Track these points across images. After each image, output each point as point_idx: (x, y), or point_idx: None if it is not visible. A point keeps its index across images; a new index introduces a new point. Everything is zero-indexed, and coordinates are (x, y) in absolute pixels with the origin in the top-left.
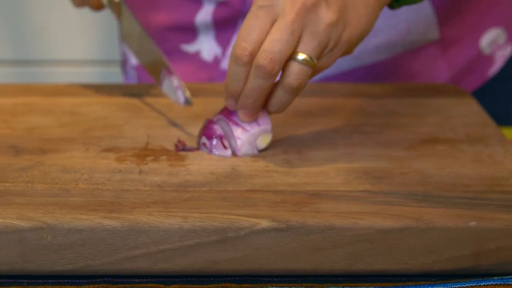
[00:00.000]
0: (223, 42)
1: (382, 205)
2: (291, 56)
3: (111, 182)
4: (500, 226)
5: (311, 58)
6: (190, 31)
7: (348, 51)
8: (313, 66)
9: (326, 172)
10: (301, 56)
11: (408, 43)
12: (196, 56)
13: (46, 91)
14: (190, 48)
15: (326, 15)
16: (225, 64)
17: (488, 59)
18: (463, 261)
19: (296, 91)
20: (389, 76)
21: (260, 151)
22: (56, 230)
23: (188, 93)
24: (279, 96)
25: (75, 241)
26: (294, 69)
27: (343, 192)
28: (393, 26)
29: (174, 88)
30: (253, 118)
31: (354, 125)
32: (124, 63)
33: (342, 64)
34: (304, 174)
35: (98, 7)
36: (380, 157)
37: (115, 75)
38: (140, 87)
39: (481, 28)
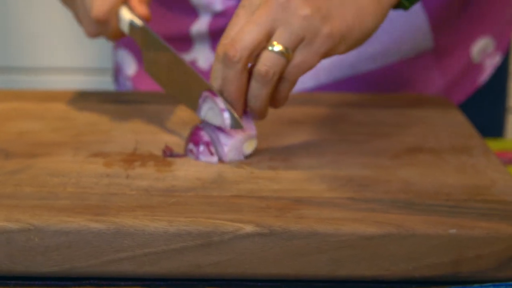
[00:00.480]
0: None
1: (365, 212)
2: (265, 47)
3: (98, 186)
4: (480, 234)
5: (285, 48)
6: (186, 41)
7: (335, 48)
8: (287, 56)
9: (311, 179)
10: (273, 45)
11: (402, 52)
12: (192, 64)
13: (37, 97)
14: (186, 56)
15: (300, 8)
16: None
17: (478, 68)
18: (443, 268)
19: (265, 80)
20: (384, 84)
21: (246, 157)
22: (43, 232)
23: (236, 115)
24: (252, 87)
25: (62, 243)
26: (263, 56)
27: (327, 199)
28: (388, 34)
29: (219, 110)
30: (260, 107)
31: (341, 134)
32: (116, 72)
33: (337, 72)
34: (289, 181)
35: (116, 36)
36: (365, 165)
37: (106, 84)
38: (130, 94)
39: (472, 36)
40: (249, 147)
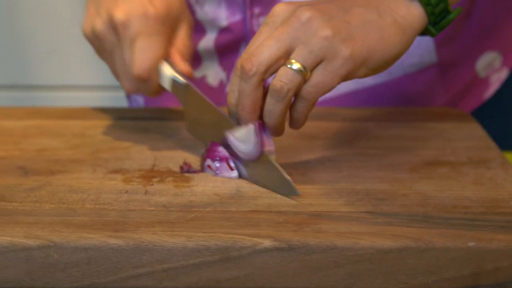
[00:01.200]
0: (226, 67)
1: (382, 226)
2: (283, 64)
3: (117, 203)
4: (499, 247)
5: (303, 67)
6: (195, 58)
7: (355, 71)
8: (304, 75)
9: (329, 193)
10: (291, 63)
11: (406, 66)
12: (202, 81)
13: (55, 114)
14: (196, 73)
15: (321, 29)
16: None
17: (483, 82)
18: (462, 281)
19: (279, 96)
20: (387, 99)
21: None
22: (63, 249)
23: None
24: (267, 102)
25: (81, 260)
26: (280, 72)
27: (344, 213)
28: None
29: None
30: (275, 124)
31: (358, 148)
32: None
33: (341, 86)
34: (307, 196)
35: (156, 92)
36: (382, 179)
37: (120, 100)
38: (147, 111)
39: (477, 51)
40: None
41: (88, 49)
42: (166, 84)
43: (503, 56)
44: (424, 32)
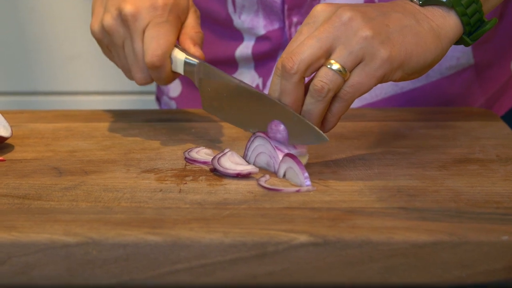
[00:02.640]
0: (262, 73)
1: (416, 221)
2: (323, 64)
3: (152, 201)
4: None
5: (342, 67)
6: (231, 64)
7: (392, 73)
8: (343, 76)
9: (361, 190)
10: (331, 63)
11: (443, 69)
12: None
13: (85, 117)
14: None
15: (362, 29)
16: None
17: None
18: (496, 275)
19: (319, 95)
20: (426, 101)
21: None
22: (101, 245)
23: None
24: (306, 102)
25: (120, 256)
26: (320, 72)
27: (377, 209)
28: None
29: (299, 170)
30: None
31: (387, 147)
32: (159, 93)
33: (380, 91)
34: (340, 193)
35: (169, 79)
36: (413, 176)
37: (149, 103)
38: (175, 112)
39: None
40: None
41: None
42: (179, 68)
43: None
44: (458, 42)
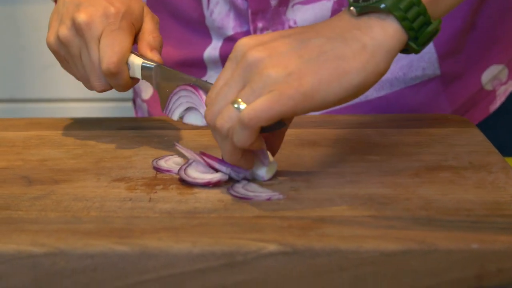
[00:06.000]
0: None
1: (386, 229)
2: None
3: (121, 210)
4: (502, 248)
5: (244, 103)
6: (200, 67)
7: (308, 104)
8: (237, 107)
9: (332, 198)
10: (237, 102)
11: (408, 79)
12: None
13: (56, 125)
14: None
15: (266, 67)
16: None
17: (489, 95)
18: (466, 283)
19: (221, 134)
20: (392, 110)
21: (267, 180)
22: (69, 256)
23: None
24: (217, 141)
25: (87, 266)
26: (223, 111)
27: (348, 218)
28: (395, 62)
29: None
30: (231, 162)
31: (360, 154)
32: (134, 95)
33: None
34: (310, 201)
35: (127, 85)
36: (384, 184)
37: (126, 109)
38: (149, 120)
39: (483, 64)
40: (269, 172)
41: None
42: (137, 73)
43: (509, 69)
44: (408, 50)
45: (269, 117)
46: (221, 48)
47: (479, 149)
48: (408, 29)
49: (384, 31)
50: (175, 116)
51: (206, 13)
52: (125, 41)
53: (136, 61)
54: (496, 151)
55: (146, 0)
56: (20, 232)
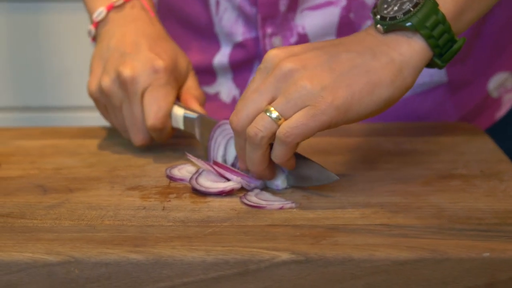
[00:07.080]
0: (240, 84)
1: (398, 238)
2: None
3: (135, 219)
4: None
5: (279, 114)
6: (210, 74)
7: (341, 117)
8: (280, 123)
9: (344, 207)
10: (270, 111)
11: (416, 86)
12: (216, 97)
13: (71, 134)
14: (210, 89)
15: (301, 79)
16: None
17: (495, 102)
18: None
19: (254, 143)
20: (399, 117)
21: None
22: (83, 264)
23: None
24: (246, 149)
25: (102, 275)
26: (257, 119)
27: (360, 226)
28: None
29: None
30: (256, 171)
31: (371, 163)
32: None
33: None
34: (323, 210)
35: (169, 136)
36: (396, 192)
37: None
38: None
39: (489, 71)
40: (285, 182)
41: None
42: (179, 124)
43: None
44: (432, 65)
45: (304, 134)
46: (230, 54)
47: (490, 157)
48: (433, 46)
49: (411, 48)
50: (219, 158)
51: (215, 19)
52: (170, 96)
53: (178, 112)
54: (507, 159)
55: (157, 8)
56: (35, 241)
